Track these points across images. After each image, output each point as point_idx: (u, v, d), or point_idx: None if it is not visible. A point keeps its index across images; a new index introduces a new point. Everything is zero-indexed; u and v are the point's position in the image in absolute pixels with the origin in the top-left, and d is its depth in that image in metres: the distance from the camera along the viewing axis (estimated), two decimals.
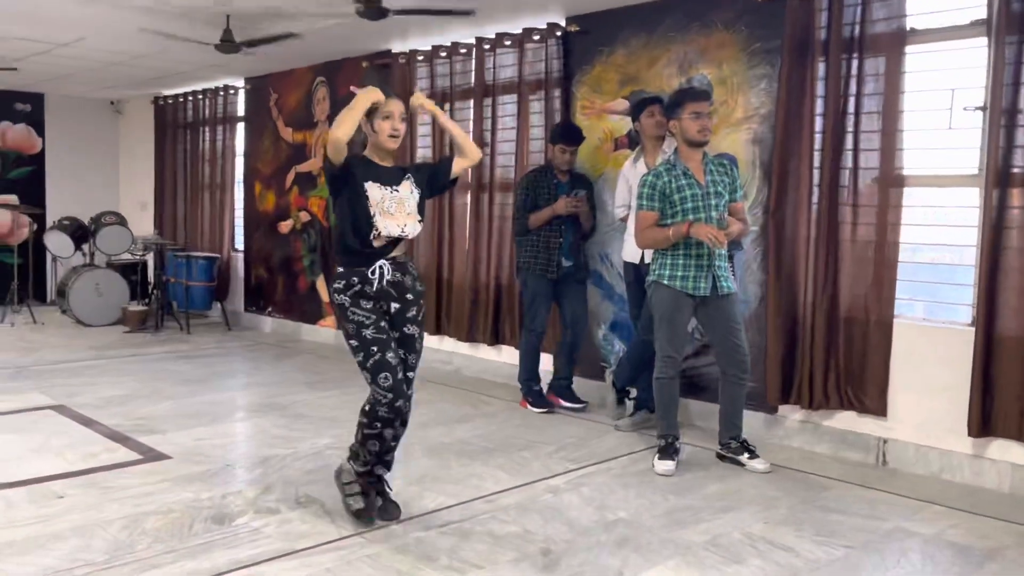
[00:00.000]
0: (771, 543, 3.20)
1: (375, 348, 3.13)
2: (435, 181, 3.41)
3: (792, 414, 4.53)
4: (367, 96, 3.10)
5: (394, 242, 3.22)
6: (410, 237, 3.27)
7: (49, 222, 8.96)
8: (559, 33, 5.50)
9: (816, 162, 4.36)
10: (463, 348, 6.24)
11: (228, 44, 5.89)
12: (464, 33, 6.03)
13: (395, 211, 3.19)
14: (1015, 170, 3.77)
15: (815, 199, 4.37)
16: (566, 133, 5.13)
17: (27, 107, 9.68)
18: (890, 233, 4.17)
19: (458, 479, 3.85)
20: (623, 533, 3.26)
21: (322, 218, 7.53)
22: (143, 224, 9.73)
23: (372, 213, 3.14)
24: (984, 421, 3.88)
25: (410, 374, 3.29)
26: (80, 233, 8.49)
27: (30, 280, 9.03)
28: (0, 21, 6.04)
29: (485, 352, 6.10)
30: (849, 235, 4.31)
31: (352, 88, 3.24)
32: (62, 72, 8.18)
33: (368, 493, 3.29)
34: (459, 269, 6.22)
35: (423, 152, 6.55)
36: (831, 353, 4.34)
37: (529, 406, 5.19)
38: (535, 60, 5.68)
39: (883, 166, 4.17)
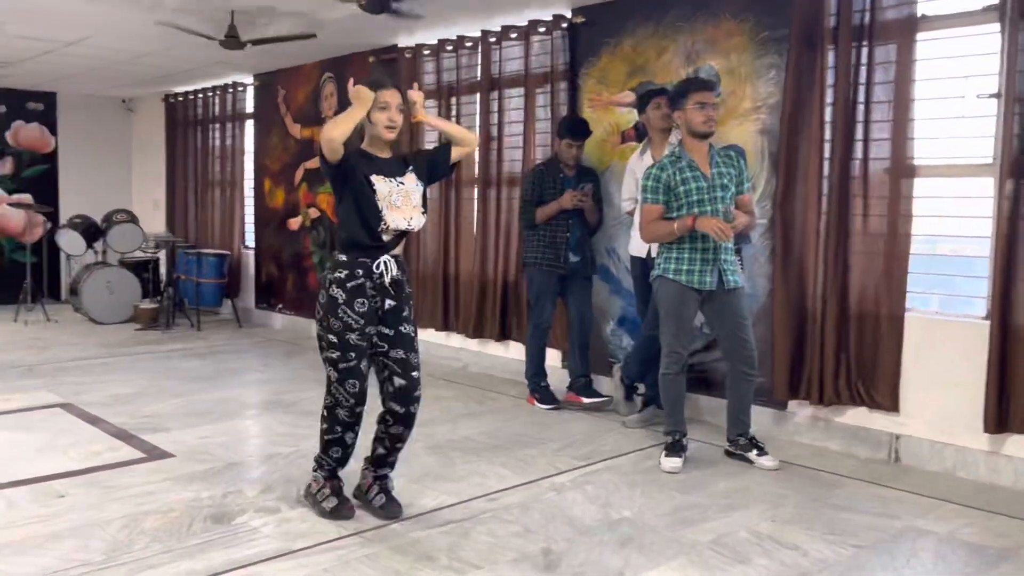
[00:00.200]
0: (778, 542, 3.14)
1: (353, 355, 3.11)
2: (435, 169, 3.37)
3: (802, 410, 4.45)
4: (363, 103, 3.05)
5: (399, 236, 3.20)
6: (415, 230, 3.24)
7: (62, 221, 9.00)
8: (565, 25, 5.43)
9: (826, 153, 4.28)
10: (471, 344, 6.19)
11: (232, 40, 5.86)
12: (470, 26, 5.97)
13: (402, 204, 3.15)
14: None
15: (825, 190, 4.28)
16: (573, 127, 5.07)
17: (39, 106, 9.72)
18: (902, 225, 4.08)
19: (461, 477, 3.81)
20: (627, 532, 3.21)
21: (331, 214, 7.50)
22: (156, 222, 9.77)
23: (380, 208, 3.10)
24: (1000, 417, 3.79)
25: (415, 373, 3.23)
26: (92, 231, 8.52)
27: (44, 278, 9.09)
28: (7, 20, 6.05)
29: (493, 348, 6.05)
30: (860, 227, 4.22)
31: (351, 83, 3.18)
32: (72, 71, 8.20)
33: (338, 491, 3.29)
34: (466, 264, 6.17)
35: (431, 140, 6.49)
36: (841, 347, 4.25)
37: (536, 403, 5.14)
38: (541, 53, 5.62)
39: (894, 156, 4.08)
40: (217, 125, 8.87)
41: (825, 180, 4.28)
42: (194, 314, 8.13)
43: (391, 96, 3.14)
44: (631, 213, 4.79)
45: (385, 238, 3.15)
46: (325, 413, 3.20)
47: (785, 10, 4.37)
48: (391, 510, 3.28)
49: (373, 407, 3.26)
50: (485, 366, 6.11)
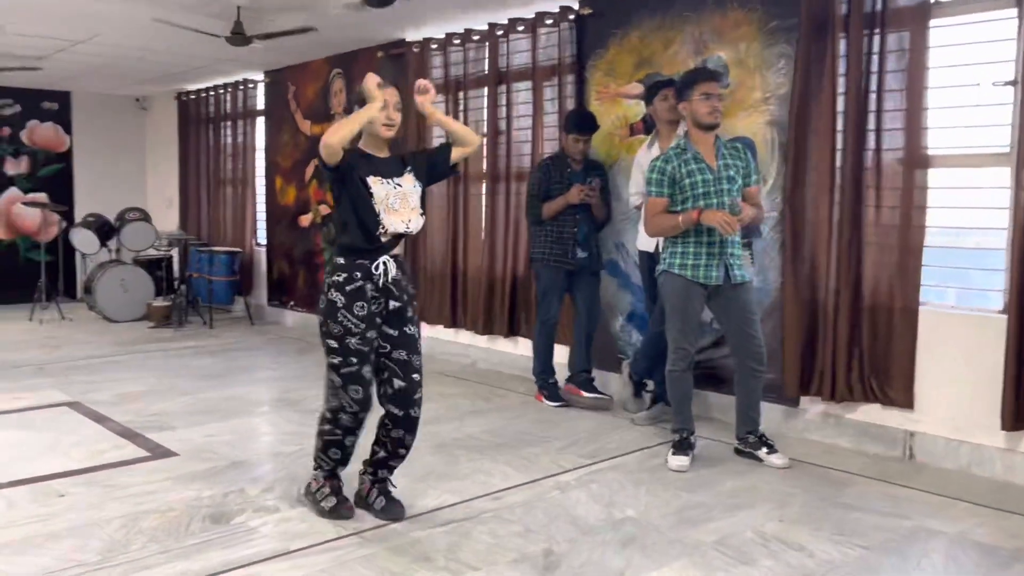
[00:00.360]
0: (784, 543, 3.06)
1: (355, 360, 3.05)
2: (434, 170, 3.31)
3: (813, 406, 4.36)
4: (370, 109, 3.00)
5: (398, 238, 3.14)
6: (414, 233, 3.17)
7: (77, 220, 9.05)
8: (572, 16, 5.36)
9: (838, 143, 4.18)
10: (480, 341, 6.14)
11: (239, 36, 5.85)
12: (477, 19, 5.91)
13: (399, 207, 3.09)
14: None
15: (837, 182, 4.19)
16: (580, 121, 5.00)
17: (54, 105, 9.78)
18: (916, 216, 3.98)
19: (464, 476, 3.76)
20: (630, 532, 3.15)
21: None
22: (169, 220, 9.80)
23: (378, 211, 3.04)
24: (1018, 413, 3.68)
25: (415, 376, 3.17)
26: (105, 230, 8.55)
27: (60, 277, 9.15)
28: (18, 19, 6.07)
29: (502, 344, 6.00)
30: (872, 219, 4.12)
31: (370, 76, 3.10)
32: (85, 69, 8.23)
33: (338, 490, 3.25)
34: (474, 260, 6.12)
35: (439, 135, 6.44)
36: (854, 342, 4.16)
37: (544, 400, 5.08)
38: (548, 45, 5.55)
39: (908, 146, 3.97)
40: (229, 122, 8.88)
41: (837, 171, 4.19)
42: (206, 312, 8.14)
43: (389, 94, 3.09)
44: (639, 207, 4.71)
45: (383, 239, 3.10)
46: (328, 415, 3.14)
47: None
48: (393, 511, 3.23)
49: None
50: (494, 363, 6.06)
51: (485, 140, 5.98)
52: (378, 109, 3.02)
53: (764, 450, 3.96)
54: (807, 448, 4.20)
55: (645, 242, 4.59)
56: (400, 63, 6.66)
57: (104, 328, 7.93)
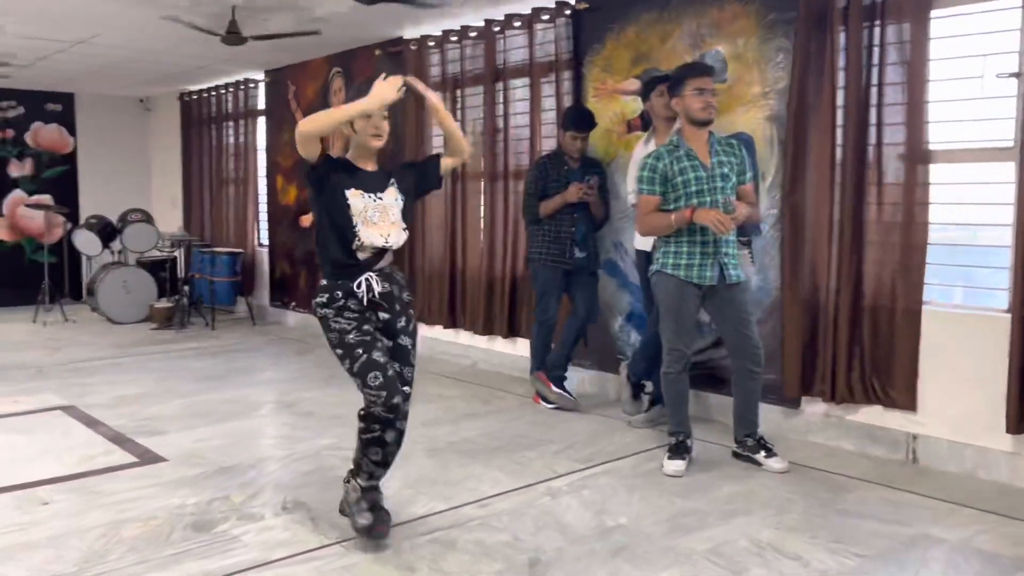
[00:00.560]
0: (779, 551, 2.97)
1: (360, 350, 2.91)
2: (422, 183, 3.19)
3: (814, 408, 4.26)
4: (358, 105, 2.86)
5: (379, 253, 3.01)
6: (394, 247, 3.04)
7: (81, 221, 9.05)
8: (568, 12, 5.27)
9: (837, 139, 4.08)
10: (480, 341, 6.07)
11: (233, 36, 5.80)
12: (474, 16, 5.83)
13: (378, 220, 2.97)
14: None
15: (837, 178, 4.08)
16: (577, 119, 4.91)
17: (58, 107, 9.78)
18: (918, 213, 3.87)
19: (455, 482, 3.69)
20: (620, 541, 3.06)
21: None
22: (173, 221, 9.79)
23: (354, 223, 2.92)
24: (1023, 416, 3.57)
25: (406, 388, 3.05)
26: (107, 231, 8.54)
27: (65, 279, 9.15)
28: (17, 19, 6.04)
29: (502, 345, 5.92)
30: (874, 216, 4.02)
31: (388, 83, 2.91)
32: (87, 70, 8.21)
33: (376, 507, 3.02)
34: (473, 259, 6.05)
35: (438, 141, 6.37)
36: (855, 343, 4.06)
37: (542, 402, 5.00)
38: (545, 41, 5.46)
39: (909, 141, 3.86)
40: (230, 123, 8.84)
41: (837, 167, 4.08)
42: (208, 313, 8.11)
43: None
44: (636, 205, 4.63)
45: (361, 256, 2.97)
46: (362, 413, 2.97)
47: None
48: (380, 519, 3.13)
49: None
50: (494, 364, 5.98)
51: (482, 139, 5.91)
52: (366, 109, 2.87)
53: (763, 454, 3.86)
54: (808, 451, 4.10)
55: (642, 241, 4.49)
56: (398, 61, 6.59)
57: (106, 330, 7.91)
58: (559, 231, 4.90)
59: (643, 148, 4.56)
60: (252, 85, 8.48)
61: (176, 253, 8.85)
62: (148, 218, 8.59)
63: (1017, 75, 3.58)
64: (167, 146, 10.09)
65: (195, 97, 9.38)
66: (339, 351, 2.96)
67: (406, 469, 3.73)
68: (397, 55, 6.61)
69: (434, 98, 3.16)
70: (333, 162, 3.00)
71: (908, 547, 3.02)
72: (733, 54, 4.50)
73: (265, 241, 8.58)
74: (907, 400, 3.92)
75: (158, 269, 8.64)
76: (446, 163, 3.19)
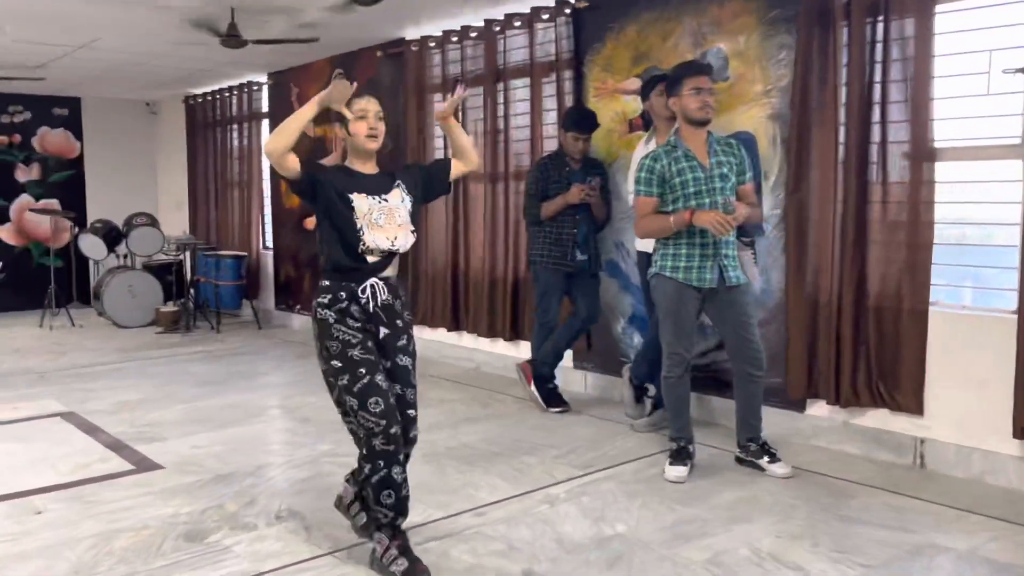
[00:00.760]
0: (779, 560, 2.91)
1: (363, 370, 2.74)
2: (431, 186, 3.07)
3: (819, 412, 4.18)
4: (311, 106, 2.79)
5: (388, 256, 2.90)
6: (402, 251, 2.93)
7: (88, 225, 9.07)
8: (568, 11, 5.21)
9: (841, 137, 4.00)
10: (483, 344, 6.02)
11: (233, 39, 5.77)
12: (474, 16, 5.78)
13: (384, 223, 2.85)
14: None
15: (840, 177, 4.01)
16: (579, 120, 4.85)
17: (64, 111, 9.80)
18: (923, 212, 3.78)
19: (452, 489, 3.64)
20: (617, 550, 3.00)
21: None
22: (180, 224, 9.79)
23: (359, 226, 2.81)
24: None
25: (411, 412, 2.92)
26: (112, 235, 8.54)
27: (73, 283, 9.17)
28: (17, 24, 6.04)
29: (505, 348, 5.87)
30: (878, 215, 3.94)
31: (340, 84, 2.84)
32: (90, 75, 8.22)
33: (406, 550, 2.81)
34: (476, 261, 6.00)
35: (439, 143, 6.33)
36: (860, 345, 3.98)
37: (542, 401, 4.94)
38: (545, 41, 5.40)
39: (914, 139, 3.78)
40: (234, 125, 8.83)
41: (840, 166, 4.01)
42: (213, 316, 8.10)
43: (368, 103, 2.88)
44: None
45: (370, 259, 2.85)
46: (364, 452, 2.77)
47: None
48: (371, 531, 3.05)
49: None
50: (498, 367, 5.92)
51: (483, 141, 5.86)
52: (320, 102, 2.79)
53: (766, 459, 3.79)
54: (812, 455, 4.02)
55: (644, 242, 4.41)
56: (399, 62, 6.55)
57: (112, 334, 7.91)
58: (560, 232, 4.84)
59: (644, 148, 4.49)
60: (255, 88, 8.47)
61: (182, 257, 8.85)
62: (153, 222, 8.59)
63: (1023, 71, 3.49)
64: (173, 149, 10.10)
65: (200, 100, 9.37)
66: (337, 364, 2.78)
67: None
68: (398, 56, 6.56)
69: (453, 121, 3.04)
70: (331, 170, 2.91)
71: (913, 556, 2.95)
72: (735, 51, 4.43)
73: (270, 244, 8.56)
74: (913, 403, 3.84)
75: (164, 273, 8.64)
76: (457, 168, 3.08)
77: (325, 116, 7.65)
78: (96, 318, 8.63)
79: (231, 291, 8.24)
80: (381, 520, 2.83)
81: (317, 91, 7.81)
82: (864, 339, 3.98)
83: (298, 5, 5.50)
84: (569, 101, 5.23)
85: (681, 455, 3.80)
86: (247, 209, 8.68)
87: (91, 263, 9.38)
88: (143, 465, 4.00)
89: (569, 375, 5.31)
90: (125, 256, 8.64)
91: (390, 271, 2.93)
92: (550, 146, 5.35)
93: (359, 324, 2.84)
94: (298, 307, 8.13)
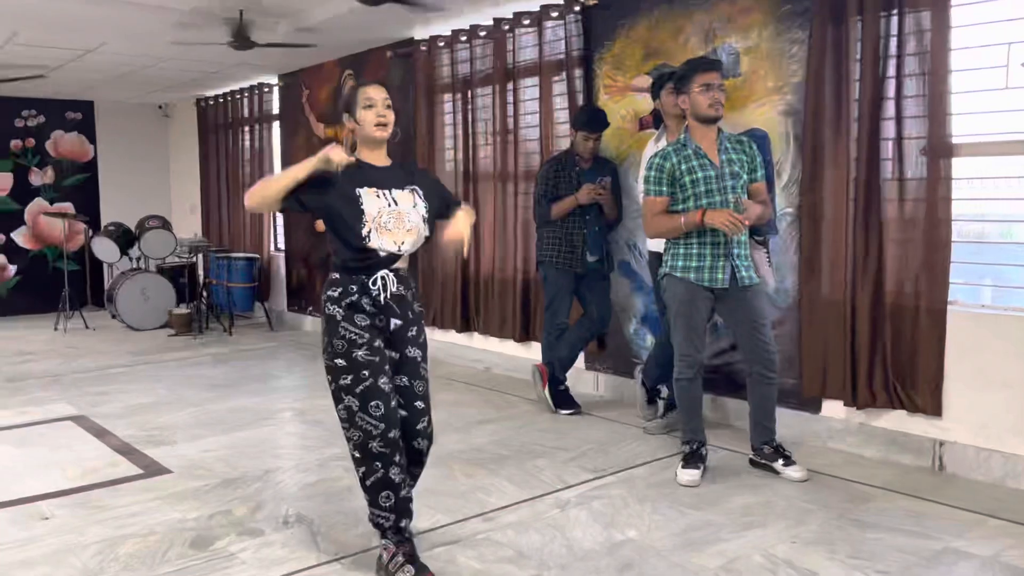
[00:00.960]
0: (794, 567, 2.84)
1: (366, 372, 2.70)
2: (442, 212, 2.96)
3: (834, 413, 4.11)
4: (305, 166, 2.72)
5: (396, 254, 2.84)
6: (406, 255, 2.86)
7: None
8: (578, 8, 5.15)
9: (855, 133, 3.92)
10: (493, 345, 5.97)
11: (242, 41, 5.75)
12: (483, 15, 5.74)
13: (393, 227, 2.78)
14: None
15: (855, 174, 3.93)
16: (589, 119, 4.79)
17: (78, 115, 9.84)
18: (941, 209, 3.70)
19: (461, 493, 3.60)
20: (627, 556, 2.95)
21: None
22: (193, 227, 9.80)
23: (367, 229, 2.73)
24: None
25: (419, 404, 2.87)
26: (126, 238, 8.56)
27: (87, 286, 9.20)
28: (25, 28, 6.05)
29: (515, 349, 5.82)
30: (895, 213, 3.86)
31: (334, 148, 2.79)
32: (102, 78, 8.24)
33: (412, 558, 2.76)
34: (486, 263, 5.95)
35: (448, 146, 6.28)
36: (876, 345, 3.90)
37: (553, 405, 4.88)
38: (555, 39, 5.35)
39: (931, 134, 3.70)
40: (246, 127, 8.83)
41: (855, 163, 3.93)
42: (226, 318, 8.10)
43: (375, 91, 2.83)
44: None
45: (381, 253, 2.79)
46: (357, 455, 2.74)
47: None
48: None
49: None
50: (509, 368, 5.88)
51: (493, 141, 5.81)
52: (310, 169, 2.72)
53: (781, 462, 3.72)
54: (828, 458, 3.95)
55: (656, 242, 4.35)
56: (408, 63, 6.52)
57: (125, 337, 7.93)
58: (570, 233, 4.79)
59: (654, 147, 4.43)
60: (266, 89, 8.46)
61: (194, 259, 8.86)
62: (166, 224, 8.60)
63: None
64: (185, 152, 10.12)
65: (211, 103, 9.38)
66: (341, 362, 2.75)
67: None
68: (408, 56, 6.52)
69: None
70: (321, 181, 2.80)
71: (932, 562, 2.88)
72: (746, 48, 4.36)
73: (282, 246, 8.56)
74: (932, 405, 3.76)
75: (177, 275, 8.65)
76: (457, 221, 2.93)
77: (336, 117, 7.67)
78: (110, 321, 8.66)
79: (243, 293, 8.24)
80: (383, 524, 2.80)
81: (327, 92, 7.80)
82: (880, 339, 3.91)
83: (304, 7, 5.48)
84: (579, 100, 5.18)
85: (694, 458, 3.73)
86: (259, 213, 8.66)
87: (105, 266, 9.42)
88: (151, 469, 3.98)
89: (580, 376, 5.26)
90: (138, 259, 8.65)
91: (401, 263, 2.87)
92: (560, 145, 5.30)
93: (368, 320, 2.79)
94: (310, 309, 8.12)
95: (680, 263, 3.60)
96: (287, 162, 8.25)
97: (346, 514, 3.32)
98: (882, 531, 3.13)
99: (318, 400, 5.26)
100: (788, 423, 4.09)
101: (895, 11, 3.75)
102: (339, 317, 2.77)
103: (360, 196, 2.77)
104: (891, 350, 3.88)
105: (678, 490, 3.60)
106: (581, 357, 5.16)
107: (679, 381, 3.74)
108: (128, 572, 2.87)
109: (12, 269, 9.51)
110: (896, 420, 3.90)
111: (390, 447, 2.71)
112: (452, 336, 6.25)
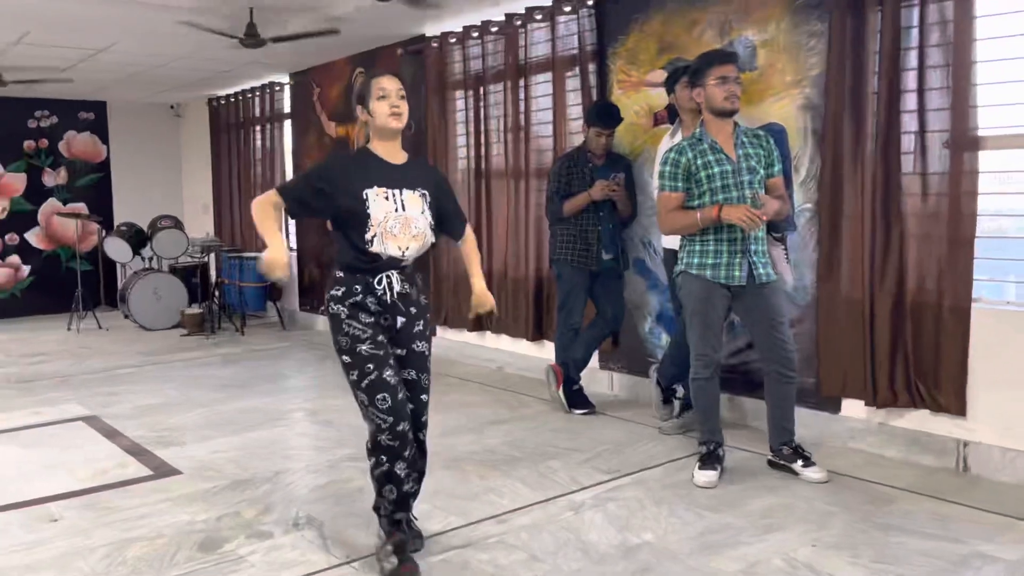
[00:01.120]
0: (816, 572, 2.76)
1: (371, 366, 2.70)
2: (445, 223, 2.96)
3: (854, 413, 4.02)
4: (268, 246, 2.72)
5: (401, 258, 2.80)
6: (409, 260, 2.82)
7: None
8: (591, 2, 5.08)
9: (876, 127, 3.83)
10: (505, 344, 5.91)
11: (252, 38, 5.71)
12: (495, 10, 5.67)
13: (399, 232, 2.73)
14: None
15: (876, 169, 3.84)
16: (602, 114, 4.71)
17: (91, 115, 9.84)
18: (965, 204, 3.60)
19: (474, 495, 3.53)
20: (644, 561, 2.88)
21: None
22: (205, 226, 9.79)
23: (372, 235, 2.69)
24: None
25: (424, 397, 2.89)
26: (138, 238, 8.55)
27: (101, 286, 9.21)
28: (36, 28, 6.03)
29: (527, 348, 5.75)
30: (917, 208, 3.76)
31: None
32: (114, 78, 8.23)
33: (402, 549, 2.80)
34: (498, 261, 5.89)
35: (461, 143, 6.22)
36: (897, 343, 3.81)
37: (567, 405, 4.82)
38: (567, 34, 5.28)
39: (955, 127, 3.60)
40: (257, 127, 8.80)
41: (875, 157, 3.84)
42: (238, 318, 8.08)
43: (389, 82, 2.77)
44: None
45: (384, 258, 2.75)
46: (369, 446, 2.78)
47: None
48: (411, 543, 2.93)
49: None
50: (521, 367, 5.81)
51: (505, 138, 5.75)
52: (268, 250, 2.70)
53: (800, 463, 3.64)
54: (848, 458, 3.86)
55: (671, 239, 4.27)
56: (420, 61, 6.46)
57: (137, 337, 7.92)
58: (584, 230, 4.71)
59: (669, 142, 4.35)
60: (277, 88, 8.43)
61: (206, 259, 8.85)
62: (178, 224, 8.58)
63: None
64: (197, 151, 10.11)
65: (223, 102, 9.36)
66: (347, 359, 2.75)
67: (423, 482, 3.57)
68: (419, 53, 6.47)
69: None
70: (346, 160, 2.82)
71: (959, 567, 2.79)
72: (763, 41, 4.27)
73: (293, 245, 8.52)
74: (956, 404, 3.67)
75: (189, 275, 8.64)
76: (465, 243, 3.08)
77: (348, 115, 7.64)
78: (122, 321, 8.65)
79: (255, 293, 8.22)
80: (382, 513, 2.86)
81: (338, 90, 7.77)
82: (901, 337, 3.81)
83: (317, 3, 5.43)
84: (593, 95, 5.10)
85: (711, 459, 3.66)
86: None
87: (118, 266, 9.41)
88: (161, 470, 3.94)
89: (595, 376, 5.19)
90: (150, 259, 8.64)
91: (406, 263, 2.83)
92: (573, 142, 5.22)
93: (372, 318, 2.77)
94: (322, 308, 8.07)
95: (696, 260, 3.52)
96: (299, 161, 8.22)
97: (357, 516, 3.26)
98: (906, 534, 3.04)
99: (329, 400, 5.22)
100: (807, 423, 4.01)
101: (916, 1, 3.65)
102: (343, 315, 2.76)
103: (367, 199, 2.72)
104: (912, 348, 3.79)
105: (695, 492, 3.53)
106: (595, 356, 5.09)
107: (696, 381, 3.67)
108: None
109: (26, 269, 9.53)
110: (918, 420, 3.81)
111: (398, 440, 2.72)
112: (464, 335, 6.20)
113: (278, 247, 2.71)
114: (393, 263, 2.78)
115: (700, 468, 3.64)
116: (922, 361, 3.76)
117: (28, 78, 7.70)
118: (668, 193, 3.51)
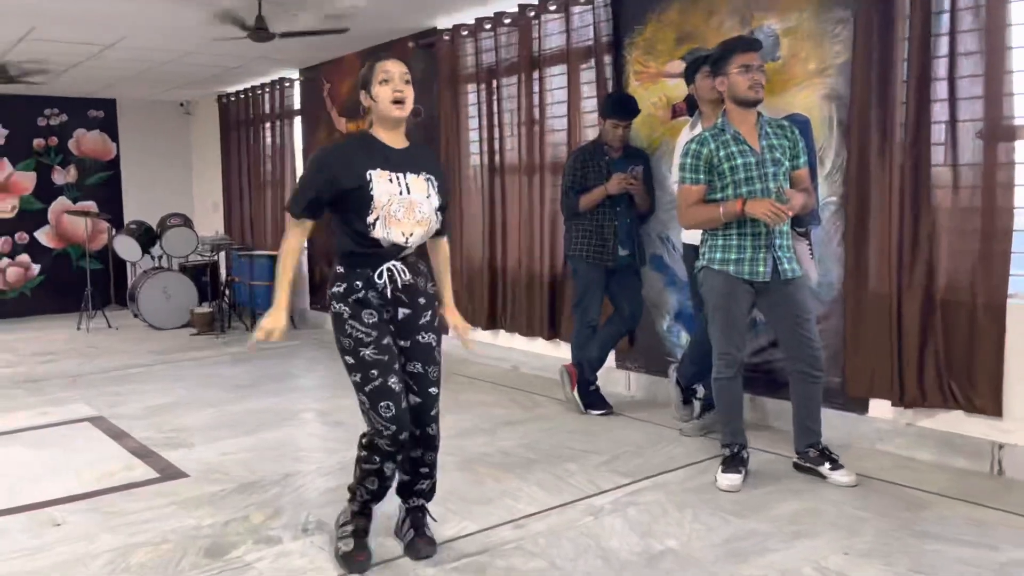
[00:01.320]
0: None
1: (375, 372, 2.62)
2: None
3: (883, 414, 3.88)
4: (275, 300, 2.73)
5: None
6: (413, 248, 2.73)
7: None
8: None
9: (905, 117, 3.69)
10: (520, 343, 5.79)
11: (261, 32, 5.61)
12: (508, 2, 5.55)
13: (403, 216, 2.63)
14: None
15: (905, 160, 3.69)
16: (618, 106, 4.59)
17: (100, 113, 9.78)
18: (1001, 197, 3.46)
19: (489, 499, 3.42)
20: (667, 568, 2.75)
21: None
22: (216, 225, 9.71)
23: (374, 218, 2.60)
24: None
25: (432, 389, 2.79)
26: (147, 236, 8.48)
27: (111, 285, 9.15)
28: (43, 23, 5.96)
29: (543, 347, 5.63)
30: (948, 201, 3.62)
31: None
32: (124, 75, 8.16)
33: (360, 533, 2.82)
34: (512, 257, 5.77)
35: (473, 138, 6.10)
36: (927, 341, 3.67)
37: (583, 405, 4.69)
38: (583, 25, 5.15)
39: (988, 116, 3.46)
40: (267, 123, 8.71)
41: (904, 148, 3.69)
42: (248, 317, 7.99)
43: (393, 65, 2.64)
44: None
45: (386, 244, 2.66)
46: (364, 441, 2.75)
47: None
48: (420, 549, 2.84)
49: None
50: (536, 367, 5.69)
51: (519, 132, 5.63)
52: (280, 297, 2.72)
53: (827, 465, 3.50)
54: (877, 461, 3.72)
55: (691, 234, 4.15)
56: (432, 55, 6.34)
57: (146, 336, 7.84)
58: (601, 225, 4.59)
59: (688, 134, 4.21)
60: (287, 84, 8.34)
61: (216, 257, 8.77)
62: (187, 222, 8.51)
63: None
64: (207, 149, 10.03)
65: (232, 99, 9.28)
66: (350, 360, 2.66)
67: (437, 485, 3.46)
68: (431, 47, 6.35)
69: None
70: (348, 147, 2.70)
71: (999, 575, 2.66)
72: (786, 29, 4.13)
73: (304, 243, 8.41)
74: (991, 405, 3.52)
75: (199, 274, 8.56)
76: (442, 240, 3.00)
77: (358, 111, 7.52)
78: (132, 320, 8.59)
79: (264, 291, 8.10)
80: (356, 497, 2.85)
81: (349, 86, 7.66)
82: (932, 335, 3.68)
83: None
84: (608, 87, 4.98)
85: (734, 461, 3.53)
86: (281, 208, 8.54)
87: (128, 265, 9.35)
88: (168, 473, 3.84)
89: (612, 375, 5.07)
90: (160, 257, 8.57)
91: (408, 252, 2.73)
92: (588, 136, 5.10)
93: (376, 316, 2.67)
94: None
95: (719, 255, 3.39)
96: (309, 157, 8.12)
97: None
98: (942, 541, 2.90)
99: (340, 400, 5.11)
100: (833, 424, 3.87)
101: None
102: (346, 315, 2.67)
103: (370, 179, 2.61)
104: (943, 346, 3.64)
105: (719, 496, 3.40)
106: (612, 354, 4.96)
107: (718, 380, 3.54)
108: None
109: (36, 268, 9.47)
110: (948, 421, 3.67)
111: (396, 447, 2.69)
112: (478, 334, 6.07)
113: (279, 312, 2.71)
114: (395, 251, 2.68)
115: (723, 471, 3.51)
116: (954, 360, 3.62)
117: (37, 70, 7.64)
118: (689, 186, 3.38)
